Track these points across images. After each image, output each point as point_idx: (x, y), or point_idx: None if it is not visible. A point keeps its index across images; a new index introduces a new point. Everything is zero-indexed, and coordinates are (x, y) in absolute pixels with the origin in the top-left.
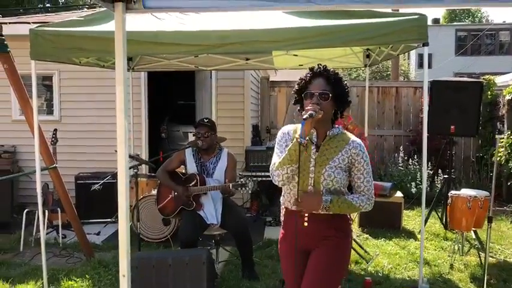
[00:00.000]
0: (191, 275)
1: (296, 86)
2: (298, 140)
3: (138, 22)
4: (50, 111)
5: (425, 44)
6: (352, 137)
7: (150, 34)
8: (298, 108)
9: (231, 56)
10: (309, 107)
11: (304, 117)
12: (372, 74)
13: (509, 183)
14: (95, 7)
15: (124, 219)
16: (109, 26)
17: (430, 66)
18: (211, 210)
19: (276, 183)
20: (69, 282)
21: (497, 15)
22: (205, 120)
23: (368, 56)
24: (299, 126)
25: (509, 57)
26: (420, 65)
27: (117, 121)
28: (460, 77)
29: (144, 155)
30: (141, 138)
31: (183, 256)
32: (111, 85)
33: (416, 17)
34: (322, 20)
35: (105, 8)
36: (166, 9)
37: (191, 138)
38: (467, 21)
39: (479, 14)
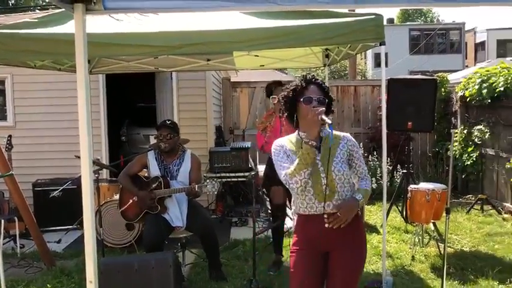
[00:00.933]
0: (158, 279)
1: (290, 92)
2: (310, 143)
3: (96, 24)
4: (3, 117)
5: (382, 43)
6: (342, 133)
7: (109, 36)
8: (287, 114)
9: (191, 57)
10: (319, 111)
11: (330, 122)
12: (330, 74)
13: (463, 176)
14: (47, 9)
15: (90, 223)
16: (65, 28)
17: (386, 65)
18: (176, 213)
19: (294, 190)
20: None
21: (447, 15)
22: (168, 122)
23: (327, 56)
24: (290, 137)
25: (459, 55)
26: (377, 64)
27: (80, 125)
28: (415, 75)
29: (105, 159)
30: (100, 142)
31: (149, 260)
32: (68, 88)
33: (373, 17)
34: (283, 20)
35: (60, 10)
36: (128, 10)
37: (152, 141)
38: (419, 21)
39: (430, 14)
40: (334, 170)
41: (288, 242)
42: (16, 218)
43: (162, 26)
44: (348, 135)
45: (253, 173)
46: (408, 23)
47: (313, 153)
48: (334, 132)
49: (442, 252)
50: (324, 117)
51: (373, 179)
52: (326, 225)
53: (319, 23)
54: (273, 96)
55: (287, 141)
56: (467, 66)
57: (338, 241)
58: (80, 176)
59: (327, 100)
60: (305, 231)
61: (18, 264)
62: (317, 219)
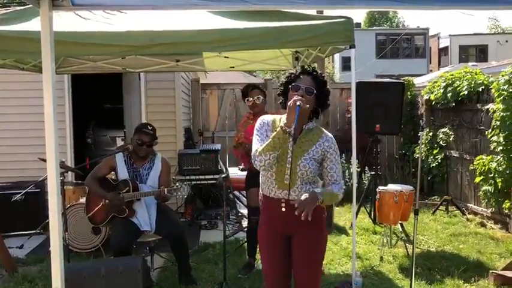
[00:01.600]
0: (126, 285)
1: (285, 79)
2: (283, 128)
3: (61, 21)
4: None
5: (352, 46)
6: (325, 132)
7: (76, 34)
8: (281, 100)
9: (160, 58)
10: (296, 98)
11: (298, 103)
12: None
13: (429, 178)
14: (9, 6)
15: (56, 228)
16: (29, 25)
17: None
18: (144, 217)
19: (257, 168)
20: None
21: (412, 20)
22: (149, 128)
23: (297, 59)
24: (277, 117)
25: (424, 60)
26: (344, 67)
27: (46, 126)
28: (381, 78)
29: (70, 161)
30: (65, 144)
31: (116, 265)
32: (32, 88)
33: (342, 20)
34: (253, 22)
35: (23, 7)
36: (97, 6)
37: (119, 142)
38: (385, 26)
39: (396, 20)
40: (300, 164)
41: None
42: None
43: (130, 25)
44: (329, 136)
45: (223, 175)
46: (375, 27)
47: (283, 139)
48: (321, 128)
49: (410, 252)
50: (298, 101)
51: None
52: (283, 209)
53: (290, 25)
54: (248, 98)
55: (273, 120)
56: (431, 70)
57: (297, 226)
58: (43, 179)
59: (315, 91)
60: (267, 211)
61: None
62: (276, 203)
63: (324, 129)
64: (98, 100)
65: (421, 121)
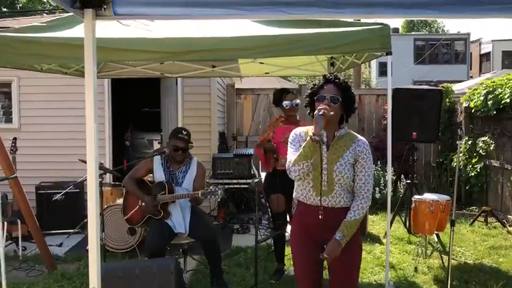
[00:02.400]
0: (159, 285)
1: (309, 90)
2: (312, 137)
3: (102, 28)
4: (8, 119)
5: (389, 53)
6: (358, 136)
7: (116, 41)
8: (309, 111)
9: (197, 63)
10: (321, 107)
11: (321, 113)
12: None
13: (467, 187)
14: (54, 12)
15: (94, 228)
16: (73, 32)
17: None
18: (179, 219)
19: (293, 178)
20: None
21: (452, 25)
22: (184, 133)
23: (332, 64)
24: (310, 128)
25: (464, 66)
26: (381, 73)
27: (87, 129)
28: (419, 85)
29: (108, 163)
30: (104, 146)
31: (150, 266)
32: (74, 92)
33: (379, 26)
34: (289, 28)
35: (68, 14)
36: (138, 16)
37: (156, 146)
38: (424, 31)
39: (435, 24)
40: (336, 170)
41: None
42: (19, 221)
43: (168, 32)
44: (362, 140)
45: (256, 180)
46: (413, 32)
47: (314, 147)
48: (353, 133)
49: (446, 264)
50: (321, 110)
51: (377, 188)
52: (320, 217)
53: (325, 31)
54: (285, 102)
55: (306, 131)
56: (471, 77)
57: (332, 233)
58: (83, 180)
59: (340, 99)
60: (302, 219)
61: (20, 267)
62: (313, 210)
63: (357, 134)
64: (136, 104)
65: (459, 130)
